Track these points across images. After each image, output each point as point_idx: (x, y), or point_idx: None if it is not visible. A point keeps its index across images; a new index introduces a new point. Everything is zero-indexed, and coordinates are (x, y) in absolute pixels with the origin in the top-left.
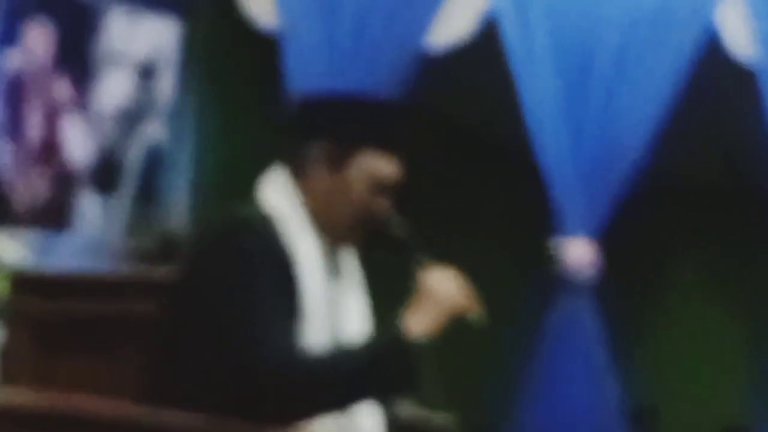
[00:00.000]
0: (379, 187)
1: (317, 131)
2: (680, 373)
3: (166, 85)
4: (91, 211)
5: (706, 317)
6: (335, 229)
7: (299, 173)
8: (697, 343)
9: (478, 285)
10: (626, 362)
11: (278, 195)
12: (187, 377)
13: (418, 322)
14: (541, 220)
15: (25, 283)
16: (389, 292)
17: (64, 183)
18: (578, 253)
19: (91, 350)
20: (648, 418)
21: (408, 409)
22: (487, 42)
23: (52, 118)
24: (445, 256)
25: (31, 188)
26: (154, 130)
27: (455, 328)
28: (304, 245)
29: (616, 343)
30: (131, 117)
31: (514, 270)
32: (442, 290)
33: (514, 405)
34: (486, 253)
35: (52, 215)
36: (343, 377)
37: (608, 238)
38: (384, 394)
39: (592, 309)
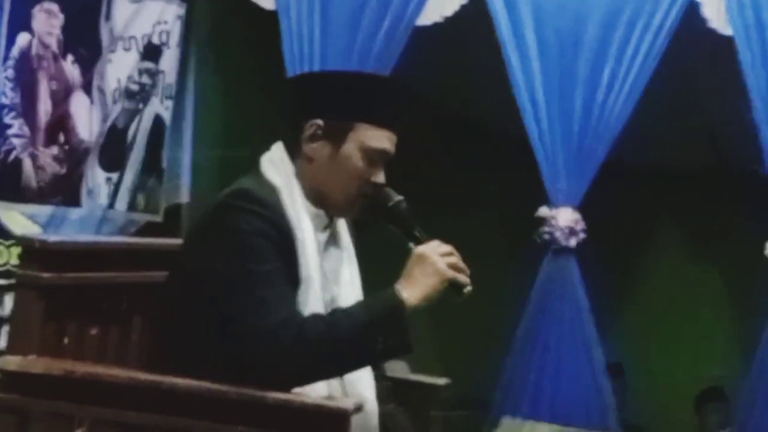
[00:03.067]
0: (375, 160)
1: (313, 108)
2: (660, 336)
3: (170, 65)
4: (98, 185)
5: (685, 283)
6: (332, 201)
7: (297, 149)
8: (676, 306)
9: (469, 255)
10: (609, 324)
11: (277, 169)
12: (194, 344)
13: (411, 291)
14: (529, 192)
15: (33, 253)
16: (383, 263)
17: (73, 160)
18: (564, 220)
19: (98, 319)
20: (619, 374)
21: (402, 371)
22: (474, 19)
23: (61, 97)
24: (437, 227)
25: (41, 165)
26: (158, 108)
27: (446, 295)
28: (302, 217)
29: (599, 306)
30: (136, 95)
31: (503, 239)
32: (434, 260)
33: (504, 367)
34: (476, 225)
35: (62, 191)
36: (342, 340)
37: (592, 208)
38: (379, 357)
39: (578, 274)
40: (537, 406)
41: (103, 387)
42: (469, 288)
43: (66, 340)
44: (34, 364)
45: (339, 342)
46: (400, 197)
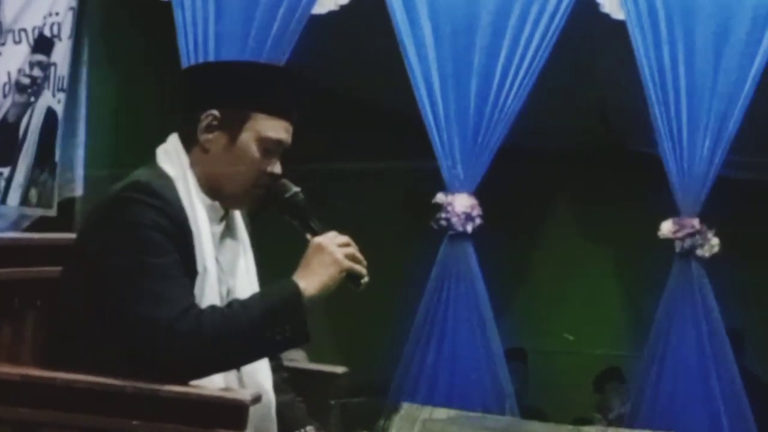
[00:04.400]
0: (271, 151)
1: (209, 98)
2: (558, 319)
3: (62, 57)
4: None
5: (581, 265)
6: (227, 193)
7: (193, 140)
8: (573, 289)
9: (367, 243)
10: (508, 309)
11: (172, 161)
12: (90, 339)
13: (309, 281)
14: (428, 176)
15: None
16: (279, 254)
17: None
18: (461, 206)
19: None
20: (521, 359)
21: (299, 360)
22: (370, 8)
23: None
24: (335, 214)
25: None
26: (50, 101)
27: (343, 285)
28: (197, 209)
29: (497, 291)
30: (28, 89)
31: (401, 224)
32: (331, 250)
33: (402, 354)
34: (375, 210)
35: None
36: (239, 332)
37: (488, 193)
38: (277, 348)
39: (474, 260)
40: (435, 391)
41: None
42: (365, 279)
43: None
44: None
45: (236, 333)
46: (296, 188)
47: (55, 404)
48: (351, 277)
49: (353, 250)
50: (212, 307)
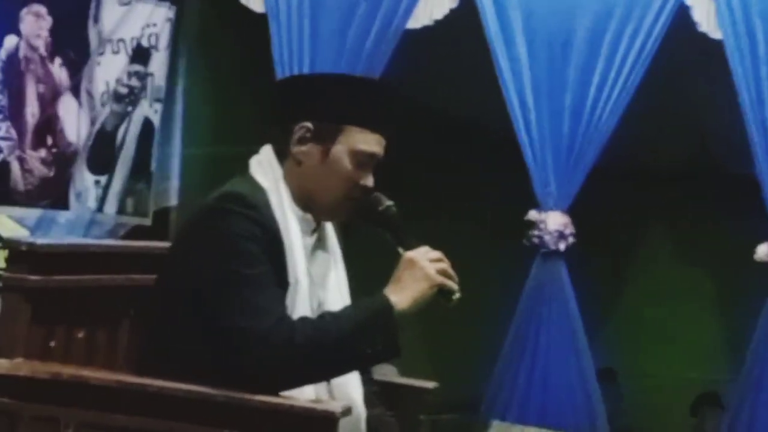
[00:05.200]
0: (364, 163)
1: (302, 110)
2: (650, 340)
3: (159, 67)
4: (87, 189)
5: (675, 286)
6: (320, 205)
7: (286, 151)
8: (667, 310)
9: (458, 258)
10: (599, 329)
11: (265, 172)
12: (183, 347)
13: (400, 296)
14: (520, 195)
15: (20, 256)
16: (371, 267)
17: (61, 163)
18: (554, 224)
19: (86, 322)
20: (611, 379)
21: (390, 375)
22: (465, 22)
23: (48, 100)
24: (426, 231)
25: (29, 168)
26: (147, 111)
27: (435, 301)
28: (290, 220)
29: (589, 310)
30: (125, 98)
31: (493, 242)
32: (423, 265)
33: (494, 372)
34: (466, 228)
35: (50, 194)
36: (331, 344)
37: (582, 212)
38: (368, 361)
39: (566, 278)
40: (526, 410)
41: (90, 390)
42: (457, 294)
43: (53, 343)
44: (21, 367)
45: (328, 346)
46: (389, 202)
47: (146, 411)
48: (443, 292)
49: (446, 265)
50: (303, 319)
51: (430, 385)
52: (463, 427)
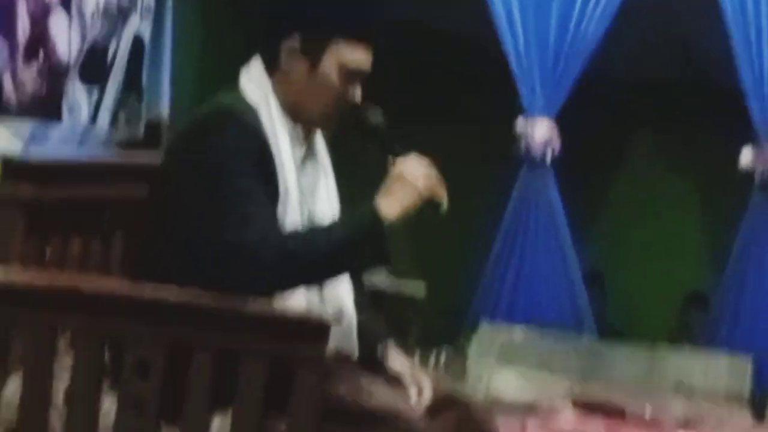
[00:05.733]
0: (352, 77)
1: (291, 24)
2: (637, 244)
3: None
4: (79, 102)
5: (661, 193)
6: (308, 117)
7: (275, 64)
8: (653, 216)
9: (447, 170)
10: (586, 232)
11: (255, 85)
12: (175, 259)
13: (390, 206)
14: (508, 109)
15: (15, 168)
16: (360, 179)
17: (53, 77)
18: (540, 132)
19: (79, 233)
20: (598, 283)
21: (381, 280)
22: None
23: (39, 16)
24: (413, 141)
25: (21, 81)
26: (137, 26)
27: (424, 211)
28: (279, 132)
29: (576, 217)
30: (115, 15)
31: (481, 151)
32: (412, 176)
33: (481, 275)
34: (453, 137)
35: (43, 107)
36: (322, 255)
37: (569, 120)
38: (359, 267)
39: (554, 183)
40: (513, 311)
41: (85, 297)
42: (446, 205)
43: (48, 254)
44: (17, 275)
45: (319, 257)
46: (378, 113)
47: (141, 318)
48: (432, 203)
49: (435, 176)
50: (295, 231)
51: (420, 290)
52: (452, 329)
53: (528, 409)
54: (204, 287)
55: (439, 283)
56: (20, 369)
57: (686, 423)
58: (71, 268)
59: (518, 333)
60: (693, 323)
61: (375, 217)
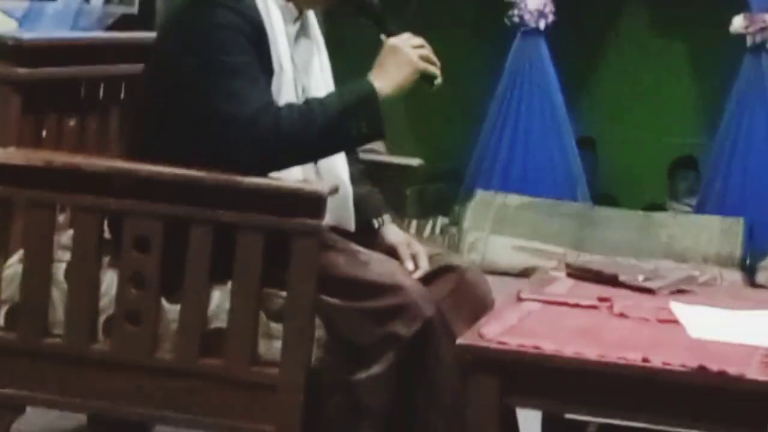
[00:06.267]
0: None
1: None
2: (629, 109)
3: None
4: None
5: (653, 57)
6: None
7: None
8: (645, 81)
9: (440, 35)
10: (578, 99)
11: None
12: (170, 134)
13: (383, 81)
14: None
15: (9, 49)
16: (353, 55)
17: None
18: (533, 4)
19: (76, 111)
20: (590, 147)
21: (376, 152)
22: None
23: None
24: (406, 18)
25: None
26: None
27: (417, 86)
28: (272, 9)
29: (569, 84)
30: None
31: (473, 21)
32: (405, 50)
33: (477, 144)
34: (448, 11)
35: None
36: (317, 128)
37: None
38: (354, 144)
39: (547, 54)
40: (508, 179)
41: (83, 175)
42: (439, 80)
43: (44, 133)
44: (15, 155)
45: (313, 129)
46: None
47: (139, 194)
48: (425, 77)
49: (427, 51)
50: (290, 105)
51: (415, 161)
52: (448, 197)
53: (522, 276)
54: (199, 162)
55: (434, 153)
56: (21, 248)
57: (679, 288)
58: (68, 147)
59: (513, 201)
60: (684, 188)
61: (369, 90)
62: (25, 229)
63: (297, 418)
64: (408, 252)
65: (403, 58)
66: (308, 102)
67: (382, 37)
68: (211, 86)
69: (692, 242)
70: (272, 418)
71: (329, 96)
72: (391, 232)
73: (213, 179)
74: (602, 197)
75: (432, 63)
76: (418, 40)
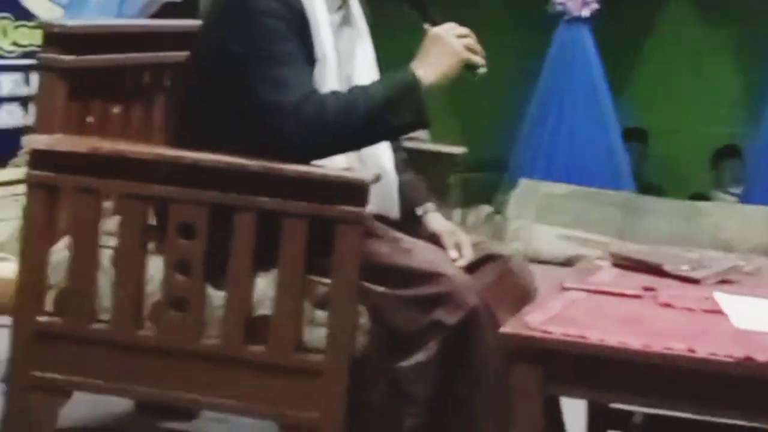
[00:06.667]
0: None
1: None
2: (676, 98)
3: None
4: None
5: (699, 45)
6: None
7: None
8: (691, 69)
9: (484, 30)
10: (623, 88)
11: None
12: (214, 122)
13: (426, 70)
14: None
15: (54, 37)
16: (398, 44)
17: None
18: None
19: (121, 99)
20: (640, 138)
21: (420, 141)
22: None
23: None
24: (449, 7)
25: None
26: None
27: (462, 73)
28: None
29: (614, 73)
30: None
31: (517, 10)
32: (449, 39)
33: (521, 133)
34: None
35: None
36: (361, 116)
37: None
38: (397, 133)
39: (591, 43)
40: (552, 168)
41: (128, 162)
42: (483, 69)
43: (90, 119)
44: (61, 142)
45: (357, 118)
46: None
47: (184, 181)
48: (469, 67)
49: (471, 40)
50: (334, 93)
51: (459, 149)
52: (492, 185)
53: (566, 266)
54: (244, 150)
55: (478, 143)
56: (67, 234)
57: (724, 278)
58: (112, 134)
59: (557, 190)
60: (729, 177)
61: (412, 79)
62: (71, 216)
63: (341, 405)
64: (452, 241)
65: (447, 47)
66: (352, 90)
67: (426, 25)
68: (256, 74)
69: (737, 232)
70: (316, 405)
71: (373, 85)
72: (435, 220)
73: (256, 167)
74: (649, 188)
75: (475, 52)
76: (463, 30)
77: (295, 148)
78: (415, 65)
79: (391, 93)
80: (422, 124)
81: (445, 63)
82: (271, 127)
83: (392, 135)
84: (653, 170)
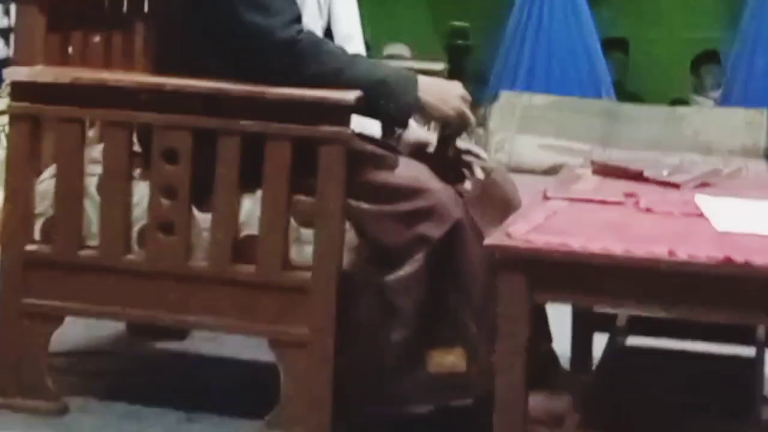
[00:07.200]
0: None
1: None
2: (654, 6)
3: None
4: None
5: None
6: None
7: None
8: None
9: None
10: (604, 2)
11: None
12: (195, 45)
13: (430, 89)
14: None
15: None
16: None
17: None
18: None
19: (100, 27)
20: (620, 49)
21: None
22: None
23: None
24: None
25: None
26: None
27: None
28: None
29: None
30: None
31: None
32: (453, 96)
33: (500, 44)
34: None
35: None
36: (356, 74)
37: None
38: (377, 114)
39: None
40: (533, 80)
41: (111, 90)
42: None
43: (70, 50)
44: (42, 73)
45: (352, 72)
46: None
47: (166, 108)
48: (450, 124)
49: (467, 107)
50: (339, 46)
51: (439, 65)
52: (474, 99)
53: (549, 174)
54: (226, 74)
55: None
56: (53, 163)
57: (704, 182)
58: (94, 63)
59: (538, 100)
60: (708, 82)
61: (414, 82)
62: (55, 145)
63: (329, 320)
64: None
65: (449, 98)
66: (357, 54)
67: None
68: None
69: (716, 135)
70: (305, 321)
71: (378, 62)
72: (415, 131)
73: (238, 90)
74: (629, 96)
75: (464, 118)
76: (467, 96)
77: (276, 70)
78: (421, 77)
79: (391, 79)
80: (400, 122)
81: (439, 101)
82: (252, 51)
83: (369, 112)
84: (634, 79)
